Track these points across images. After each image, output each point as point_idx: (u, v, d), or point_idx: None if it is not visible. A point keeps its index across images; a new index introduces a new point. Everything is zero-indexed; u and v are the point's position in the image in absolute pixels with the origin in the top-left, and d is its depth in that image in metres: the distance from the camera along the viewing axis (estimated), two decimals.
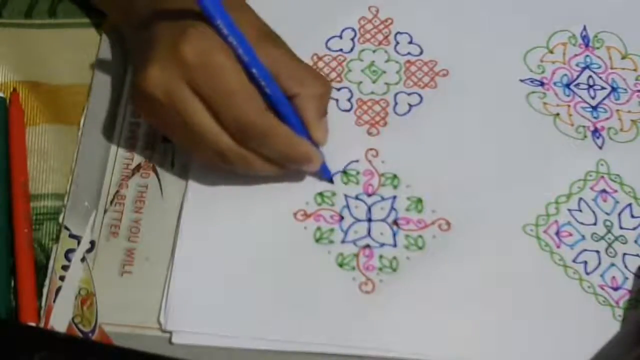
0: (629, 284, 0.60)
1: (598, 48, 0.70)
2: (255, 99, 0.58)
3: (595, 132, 0.66)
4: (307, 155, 0.60)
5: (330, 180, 0.63)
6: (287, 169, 0.61)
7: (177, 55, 0.56)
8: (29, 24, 0.70)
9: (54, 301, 0.58)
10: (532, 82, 0.68)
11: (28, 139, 0.65)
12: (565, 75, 0.69)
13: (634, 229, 0.63)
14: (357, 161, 0.64)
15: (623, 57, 0.70)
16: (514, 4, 0.71)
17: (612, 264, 0.61)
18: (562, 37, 0.70)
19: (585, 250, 0.62)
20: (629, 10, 0.72)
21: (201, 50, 0.56)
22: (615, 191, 0.64)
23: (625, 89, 0.68)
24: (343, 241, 0.61)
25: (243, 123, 0.57)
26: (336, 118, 0.66)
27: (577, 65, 0.69)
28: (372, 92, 0.67)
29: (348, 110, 0.66)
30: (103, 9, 0.69)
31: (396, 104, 0.67)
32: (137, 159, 0.64)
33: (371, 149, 0.65)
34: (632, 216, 0.63)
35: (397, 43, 0.70)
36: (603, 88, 0.68)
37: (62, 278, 0.59)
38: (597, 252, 0.62)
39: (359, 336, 0.58)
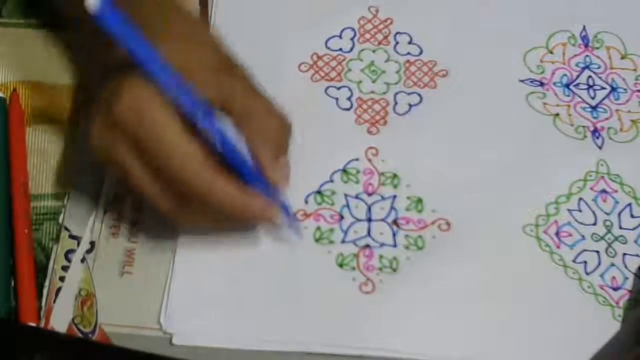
0: (629, 284, 0.60)
1: (598, 48, 0.70)
2: (192, 155, 0.54)
3: (595, 132, 0.66)
4: (258, 213, 0.56)
5: (297, 233, 0.60)
6: (238, 226, 0.59)
7: (111, 114, 0.54)
8: (29, 23, 0.70)
9: (54, 302, 0.58)
10: (531, 82, 0.68)
11: (28, 139, 0.65)
12: (565, 75, 0.69)
13: (634, 229, 0.63)
14: (357, 160, 0.64)
15: (623, 57, 0.70)
16: (513, 4, 0.71)
17: (612, 264, 0.61)
18: (562, 37, 0.70)
19: (585, 250, 0.62)
20: (629, 10, 0.72)
21: (135, 108, 0.54)
22: (615, 191, 0.64)
23: (625, 89, 0.68)
24: (343, 241, 0.61)
25: (180, 184, 0.54)
26: (336, 117, 0.66)
27: (576, 65, 0.69)
28: (372, 92, 0.67)
29: (348, 109, 0.66)
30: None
31: (396, 103, 0.67)
32: None
33: (371, 148, 0.65)
34: (632, 216, 0.63)
35: (397, 43, 0.70)
36: (603, 88, 0.68)
37: (62, 278, 0.59)
38: (597, 252, 0.62)
39: (359, 336, 0.58)
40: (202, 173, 0.54)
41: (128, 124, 0.54)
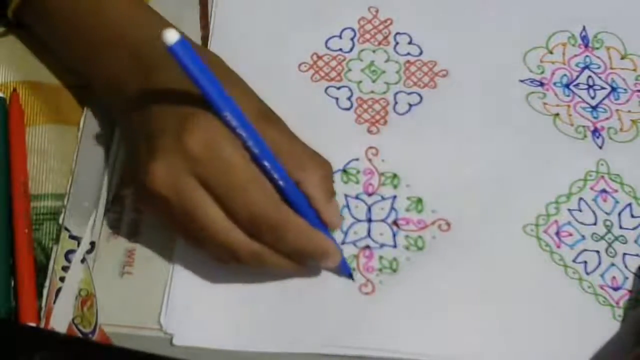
0: (629, 284, 0.60)
1: (598, 48, 0.70)
2: (268, 190, 0.55)
3: (595, 132, 0.66)
4: (324, 248, 0.57)
5: (350, 277, 0.60)
6: (303, 264, 0.58)
7: (182, 148, 0.54)
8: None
9: (54, 302, 0.58)
10: (531, 82, 0.68)
11: (28, 139, 0.64)
12: (565, 75, 0.69)
13: (634, 228, 0.63)
14: (357, 159, 0.64)
15: (622, 57, 0.70)
16: (513, 4, 0.71)
17: (612, 264, 0.61)
18: (562, 38, 0.70)
19: (585, 250, 0.62)
20: (629, 10, 0.72)
21: (208, 143, 0.53)
22: (616, 191, 0.64)
23: (625, 89, 0.68)
24: (343, 242, 0.61)
25: (257, 216, 0.54)
26: (336, 116, 0.66)
27: (576, 65, 0.69)
28: (372, 92, 0.67)
29: (348, 109, 0.66)
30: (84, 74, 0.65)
31: (396, 103, 0.67)
32: None
33: (371, 147, 0.65)
34: (632, 216, 0.63)
35: (397, 43, 0.70)
36: (603, 88, 0.68)
37: (62, 279, 0.59)
38: (597, 252, 0.62)
39: (359, 337, 0.58)
40: (279, 204, 0.55)
41: (202, 158, 0.53)
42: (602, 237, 0.62)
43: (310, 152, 0.58)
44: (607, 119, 0.67)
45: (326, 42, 0.70)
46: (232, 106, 0.54)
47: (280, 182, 0.55)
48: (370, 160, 0.64)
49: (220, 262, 0.58)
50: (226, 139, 0.54)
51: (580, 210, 0.63)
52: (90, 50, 0.62)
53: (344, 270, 0.60)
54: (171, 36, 0.50)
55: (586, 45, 0.70)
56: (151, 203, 0.56)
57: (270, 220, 0.55)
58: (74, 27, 0.63)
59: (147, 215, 0.62)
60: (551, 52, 0.70)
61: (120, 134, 0.64)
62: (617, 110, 0.67)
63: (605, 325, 0.59)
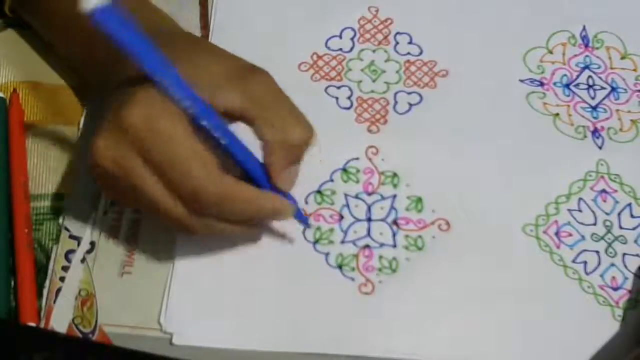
0: (628, 284, 0.61)
1: (598, 48, 0.70)
2: (208, 163, 0.53)
3: (595, 132, 0.66)
4: (274, 210, 0.56)
5: (307, 225, 0.61)
6: (256, 226, 0.58)
7: (122, 122, 0.53)
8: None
9: (54, 302, 0.58)
10: (531, 82, 0.68)
11: (28, 139, 0.65)
12: (565, 75, 0.69)
13: (634, 228, 0.63)
14: (357, 159, 0.64)
15: (623, 57, 0.70)
16: (513, 4, 0.71)
17: (612, 264, 0.61)
18: (562, 38, 0.70)
19: (585, 250, 0.62)
20: (629, 10, 0.72)
21: (147, 116, 0.52)
22: (615, 191, 0.64)
23: (625, 89, 0.68)
24: (343, 241, 0.61)
25: (196, 192, 0.53)
26: (336, 116, 0.66)
27: (576, 65, 0.69)
28: (372, 91, 0.67)
29: (348, 108, 0.66)
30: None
31: (396, 102, 0.67)
32: None
33: (371, 147, 0.65)
34: (632, 216, 0.63)
35: (397, 43, 0.70)
36: (603, 88, 0.68)
37: (62, 279, 0.59)
38: (597, 252, 0.62)
39: (359, 337, 0.58)
40: (219, 177, 0.54)
41: (139, 132, 0.52)
42: (602, 237, 0.62)
43: (289, 113, 0.57)
44: (607, 119, 0.67)
45: (326, 41, 0.70)
46: (164, 69, 0.52)
47: (222, 141, 0.54)
48: (370, 159, 0.64)
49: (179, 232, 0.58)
50: (165, 112, 0.53)
51: (580, 211, 0.63)
52: (85, 43, 0.61)
53: (300, 219, 0.60)
54: (88, 2, 0.48)
55: (586, 45, 0.70)
56: (100, 178, 0.56)
57: (210, 194, 0.53)
58: (70, 21, 0.62)
59: (147, 216, 0.62)
60: (551, 52, 0.70)
61: None
62: (617, 110, 0.67)
63: (605, 325, 0.59)
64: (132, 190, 0.54)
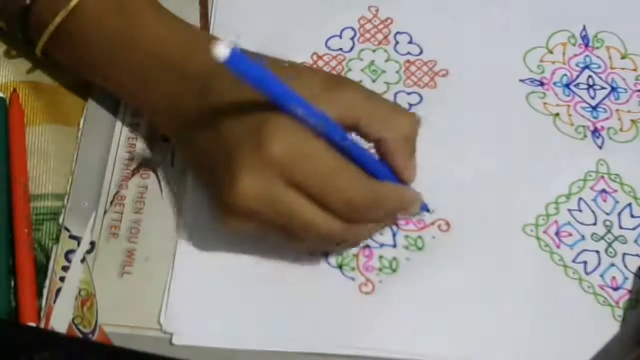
0: (628, 284, 0.61)
1: (598, 48, 0.70)
2: (354, 172, 0.55)
3: (595, 132, 0.66)
4: (412, 201, 0.58)
5: (428, 209, 0.62)
6: (395, 221, 0.61)
7: (265, 157, 0.53)
8: None
9: (54, 302, 0.58)
10: (531, 82, 0.68)
11: (28, 139, 0.64)
12: (565, 75, 0.69)
13: (634, 228, 0.63)
14: None
15: (623, 57, 0.70)
16: (513, 4, 0.71)
17: (612, 264, 0.61)
18: (562, 37, 0.70)
19: (585, 250, 0.62)
20: (629, 10, 0.72)
21: (290, 145, 0.53)
22: (615, 191, 0.64)
23: (625, 89, 0.68)
24: None
25: (354, 202, 0.55)
26: None
27: (576, 65, 0.69)
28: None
29: None
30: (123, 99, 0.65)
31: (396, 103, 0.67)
32: (137, 159, 0.64)
33: (371, 147, 0.65)
34: (632, 216, 0.63)
35: (397, 43, 0.70)
36: (603, 88, 0.68)
37: (62, 279, 0.59)
38: (597, 252, 0.62)
39: (359, 336, 0.58)
40: (364, 182, 0.55)
41: (288, 162, 0.53)
42: (602, 237, 0.62)
43: (389, 108, 0.58)
44: (607, 119, 0.67)
45: (326, 41, 0.70)
46: (297, 98, 0.53)
47: (349, 149, 0.55)
48: None
49: (315, 252, 0.60)
50: (305, 135, 0.54)
51: (580, 211, 0.63)
52: (133, 79, 0.61)
53: (422, 208, 0.61)
54: (222, 51, 0.48)
55: (586, 45, 0.70)
56: (241, 221, 0.55)
57: (367, 200, 0.55)
58: (111, 59, 0.61)
59: (147, 216, 0.62)
60: (551, 52, 0.70)
61: (185, 161, 0.63)
62: (617, 110, 0.67)
63: (605, 325, 0.59)
64: (281, 222, 0.55)
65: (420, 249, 0.61)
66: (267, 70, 0.52)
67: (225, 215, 0.56)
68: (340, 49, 0.69)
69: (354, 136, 0.56)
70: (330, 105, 0.55)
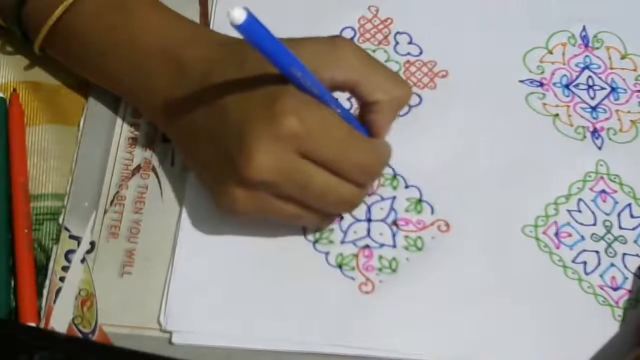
0: (628, 284, 0.61)
1: (597, 48, 0.70)
2: (364, 138, 0.58)
3: (595, 132, 0.66)
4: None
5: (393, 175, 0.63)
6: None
7: (280, 131, 0.54)
8: None
9: (54, 302, 0.58)
10: (531, 82, 0.68)
11: (28, 139, 0.64)
12: (565, 75, 0.69)
13: (634, 229, 0.63)
14: None
15: (622, 57, 0.70)
16: (513, 4, 0.71)
17: (612, 264, 0.61)
18: (562, 38, 0.70)
19: (585, 250, 0.62)
20: (629, 10, 0.72)
21: (301, 117, 0.54)
22: (615, 191, 0.64)
23: (624, 89, 0.68)
24: (342, 241, 0.61)
25: (368, 167, 0.57)
26: None
27: (576, 65, 0.69)
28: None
29: (348, 109, 0.66)
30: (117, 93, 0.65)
31: None
32: (137, 159, 0.64)
33: None
34: (632, 216, 0.63)
35: (397, 43, 0.70)
36: (602, 88, 0.68)
37: (62, 279, 0.59)
38: (597, 252, 0.62)
39: (359, 336, 0.58)
40: (369, 143, 0.58)
41: (302, 134, 0.54)
42: (602, 238, 0.62)
43: (387, 74, 0.59)
44: (606, 119, 0.67)
45: None
46: (301, 67, 0.54)
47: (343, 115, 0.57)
48: None
49: (323, 225, 0.61)
50: (317, 107, 0.55)
51: (579, 211, 0.63)
52: (132, 73, 0.61)
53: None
54: (238, 15, 0.50)
55: (586, 45, 0.70)
56: (254, 195, 0.56)
57: (378, 165, 0.58)
58: (109, 54, 0.61)
59: (147, 216, 0.62)
60: (551, 52, 0.70)
61: (185, 157, 0.63)
62: (616, 110, 0.67)
63: (605, 325, 0.59)
64: (299, 191, 0.56)
65: (420, 249, 0.61)
66: (277, 39, 0.52)
67: (239, 192, 0.56)
68: None
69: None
70: (331, 69, 0.57)
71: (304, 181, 0.55)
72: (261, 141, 0.54)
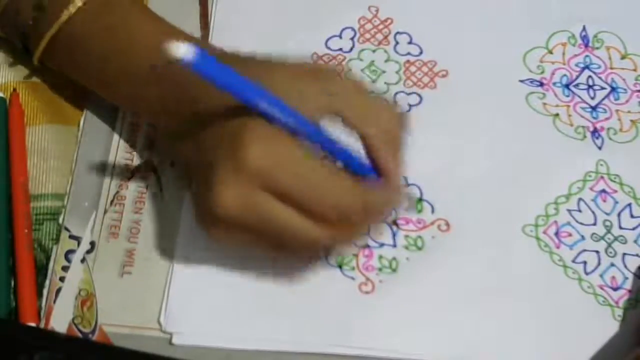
0: (628, 284, 0.61)
1: (598, 48, 0.70)
2: (339, 176, 0.54)
3: (595, 132, 0.66)
4: (397, 201, 0.59)
5: (420, 199, 0.62)
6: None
7: (242, 166, 0.52)
8: None
9: (54, 302, 0.58)
10: (531, 82, 0.68)
11: (28, 139, 0.64)
12: (565, 75, 0.69)
13: (634, 229, 0.63)
14: None
15: (622, 57, 0.70)
16: (513, 4, 0.71)
17: (612, 264, 0.61)
18: (562, 37, 0.70)
19: (585, 250, 0.62)
20: (629, 10, 0.72)
21: (266, 152, 0.52)
22: (615, 191, 0.64)
23: (624, 89, 0.68)
24: None
25: (338, 206, 0.53)
26: None
27: (576, 65, 0.69)
28: (372, 92, 0.67)
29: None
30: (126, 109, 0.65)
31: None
32: (137, 159, 0.64)
33: None
34: (632, 216, 0.63)
35: (397, 43, 0.70)
36: (602, 88, 0.68)
37: (62, 279, 0.59)
38: (597, 252, 0.62)
39: (359, 336, 0.58)
40: (350, 185, 0.54)
41: (265, 169, 0.52)
42: (602, 238, 0.62)
43: (370, 103, 0.56)
44: (606, 119, 0.67)
45: (326, 41, 0.70)
46: (267, 96, 0.52)
47: (329, 150, 0.54)
48: None
49: (302, 261, 0.59)
50: (282, 140, 0.53)
51: (579, 211, 0.63)
52: (128, 88, 0.61)
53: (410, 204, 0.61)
54: (186, 53, 0.47)
55: (586, 45, 0.70)
56: (223, 231, 0.55)
57: (353, 205, 0.54)
58: (107, 68, 0.61)
59: (147, 216, 0.62)
60: (551, 52, 0.70)
61: (185, 169, 0.63)
62: (616, 110, 0.67)
63: (605, 325, 0.59)
64: (265, 229, 0.54)
65: (420, 249, 0.61)
66: (233, 70, 0.51)
67: (209, 227, 0.55)
68: (340, 49, 0.69)
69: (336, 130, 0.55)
70: (311, 98, 0.54)
71: (267, 218, 0.53)
72: (225, 179, 0.53)
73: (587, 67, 0.69)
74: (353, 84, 0.57)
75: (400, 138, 0.57)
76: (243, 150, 0.52)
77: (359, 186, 0.54)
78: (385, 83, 0.68)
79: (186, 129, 0.57)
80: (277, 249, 0.57)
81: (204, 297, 0.59)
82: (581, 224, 0.62)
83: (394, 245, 0.61)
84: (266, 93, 0.52)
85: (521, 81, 0.68)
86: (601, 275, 0.61)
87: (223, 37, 0.69)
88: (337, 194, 0.53)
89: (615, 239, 0.62)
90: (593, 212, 0.63)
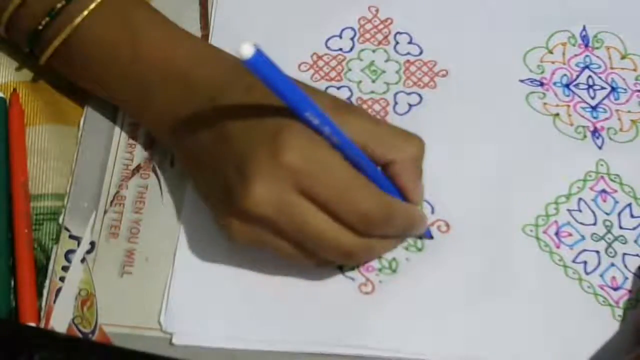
0: (628, 284, 0.61)
1: (598, 48, 0.70)
2: (370, 186, 0.55)
3: (595, 132, 0.66)
4: (421, 222, 0.60)
5: (430, 237, 0.61)
6: (403, 240, 0.61)
7: (280, 165, 0.53)
8: None
9: (54, 302, 0.58)
10: (531, 82, 0.68)
11: (28, 139, 0.64)
12: (565, 75, 0.69)
13: (634, 228, 0.63)
14: None
15: (623, 57, 0.70)
16: (513, 4, 0.71)
17: (612, 264, 0.61)
18: (562, 37, 0.70)
19: (585, 250, 0.62)
20: (629, 11, 0.72)
21: (304, 154, 0.53)
22: (615, 191, 0.64)
23: (624, 89, 0.68)
24: None
25: (366, 215, 0.54)
26: None
27: (576, 65, 0.69)
28: (372, 92, 0.67)
29: None
30: (125, 110, 0.65)
31: (396, 103, 0.67)
32: (137, 159, 0.64)
33: None
34: (632, 216, 0.63)
35: (397, 43, 0.70)
36: (603, 88, 0.68)
37: (62, 279, 0.59)
38: (597, 252, 0.62)
39: (359, 336, 0.58)
40: (378, 196, 0.55)
41: (303, 171, 0.53)
42: (602, 237, 0.62)
43: (396, 132, 0.58)
44: (606, 119, 0.67)
45: (326, 41, 0.70)
46: (314, 107, 0.53)
47: (361, 164, 0.55)
48: None
49: (323, 266, 0.59)
50: (320, 145, 0.54)
51: (579, 211, 0.63)
52: (136, 91, 0.61)
53: (426, 234, 0.61)
54: (247, 51, 0.49)
55: (586, 45, 0.70)
56: (249, 226, 0.55)
57: (380, 215, 0.55)
58: (113, 72, 0.61)
59: (147, 216, 0.62)
60: (551, 52, 0.70)
61: (188, 173, 0.62)
62: (617, 110, 0.67)
63: (605, 325, 0.59)
64: (295, 231, 0.54)
65: (419, 249, 0.61)
66: (287, 76, 0.52)
67: (232, 222, 0.55)
68: (340, 49, 0.69)
69: None
70: (345, 124, 0.55)
71: (299, 220, 0.54)
72: (261, 174, 0.53)
73: (587, 67, 0.69)
74: (374, 119, 0.59)
75: (421, 169, 0.59)
76: (284, 149, 0.53)
77: (388, 198, 0.56)
78: (385, 83, 0.68)
79: (207, 129, 0.57)
80: (299, 255, 0.57)
81: (204, 297, 0.59)
82: (581, 223, 0.62)
83: None
84: (312, 101, 0.53)
85: (521, 81, 0.68)
86: (601, 275, 0.61)
87: (223, 37, 0.69)
88: (367, 201, 0.54)
89: (616, 239, 0.62)
90: (593, 212, 0.63)
